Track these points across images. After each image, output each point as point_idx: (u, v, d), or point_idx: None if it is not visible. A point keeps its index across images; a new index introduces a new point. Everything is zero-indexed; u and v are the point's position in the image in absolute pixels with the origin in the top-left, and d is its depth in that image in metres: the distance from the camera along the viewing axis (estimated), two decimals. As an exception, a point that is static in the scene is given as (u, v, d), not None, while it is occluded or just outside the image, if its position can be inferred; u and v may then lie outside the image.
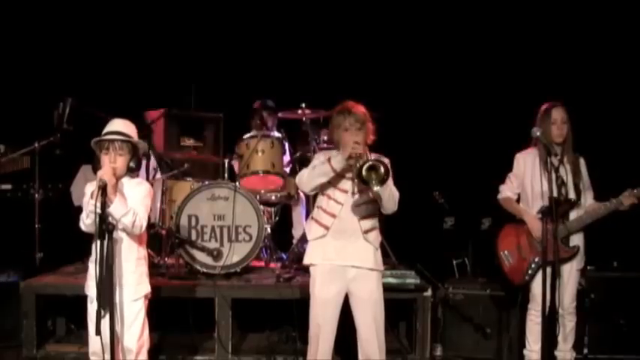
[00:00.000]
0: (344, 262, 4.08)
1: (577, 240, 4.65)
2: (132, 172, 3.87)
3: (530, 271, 4.66)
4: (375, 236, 4.16)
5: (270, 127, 6.75)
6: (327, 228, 4.09)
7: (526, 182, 4.72)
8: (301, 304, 5.29)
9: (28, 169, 5.83)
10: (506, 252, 4.81)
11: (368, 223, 4.11)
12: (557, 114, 4.58)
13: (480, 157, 6.84)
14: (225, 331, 5.25)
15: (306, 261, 4.21)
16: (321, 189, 4.11)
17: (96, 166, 3.79)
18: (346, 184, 4.09)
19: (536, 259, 4.62)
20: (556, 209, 4.16)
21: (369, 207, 4.10)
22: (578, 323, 4.75)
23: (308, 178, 4.05)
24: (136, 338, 3.83)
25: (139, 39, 7.45)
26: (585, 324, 5.20)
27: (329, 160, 3.94)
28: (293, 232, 6.82)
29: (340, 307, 4.14)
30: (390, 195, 4.02)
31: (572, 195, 4.59)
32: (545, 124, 4.55)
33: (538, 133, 4.29)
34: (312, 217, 4.22)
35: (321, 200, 4.16)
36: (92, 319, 3.60)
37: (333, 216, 4.08)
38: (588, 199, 4.69)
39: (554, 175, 4.27)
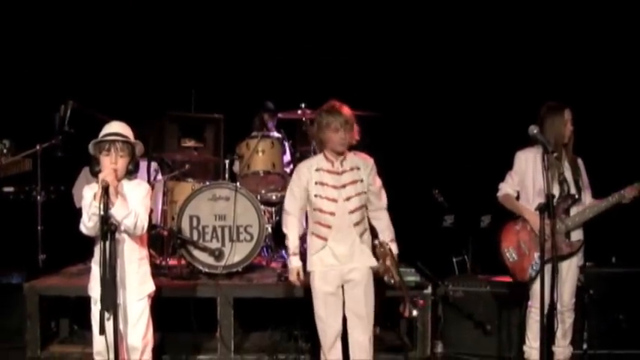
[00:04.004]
0: (345, 266, 4.21)
1: (577, 236, 4.67)
2: (131, 174, 3.87)
3: (534, 267, 4.61)
4: (367, 237, 4.29)
5: (270, 127, 6.81)
6: (325, 239, 4.21)
7: (527, 179, 4.71)
8: (303, 303, 5.33)
9: (30, 172, 5.85)
10: (510, 248, 4.75)
11: (361, 227, 4.23)
12: (569, 114, 4.62)
13: (479, 155, 6.86)
14: (228, 331, 5.29)
15: (309, 268, 4.32)
16: (311, 204, 4.25)
17: (94, 169, 3.78)
18: (333, 192, 4.19)
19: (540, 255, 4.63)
20: (556, 206, 4.17)
21: (360, 212, 4.22)
22: (577, 319, 4.77)
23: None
24: (140, 336, 3.85)
25: (141, 43, 7.49)
26: (584, 320, 5.22)
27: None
28: (294, 232, 6.84)
29: (341, 300, 4.26)
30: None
31: (573, 191, 4.61)
32: (557, 122, 4.58)
33: (535, 131, 4.25)
34: (312, 232, 4.30)
35: (315, 214, 4.25)
36: (96, 319, 3.63)
37: (329, 227, 4.19)
38: (588, 198, 4.71)
39: (556, 173, 4.31)
